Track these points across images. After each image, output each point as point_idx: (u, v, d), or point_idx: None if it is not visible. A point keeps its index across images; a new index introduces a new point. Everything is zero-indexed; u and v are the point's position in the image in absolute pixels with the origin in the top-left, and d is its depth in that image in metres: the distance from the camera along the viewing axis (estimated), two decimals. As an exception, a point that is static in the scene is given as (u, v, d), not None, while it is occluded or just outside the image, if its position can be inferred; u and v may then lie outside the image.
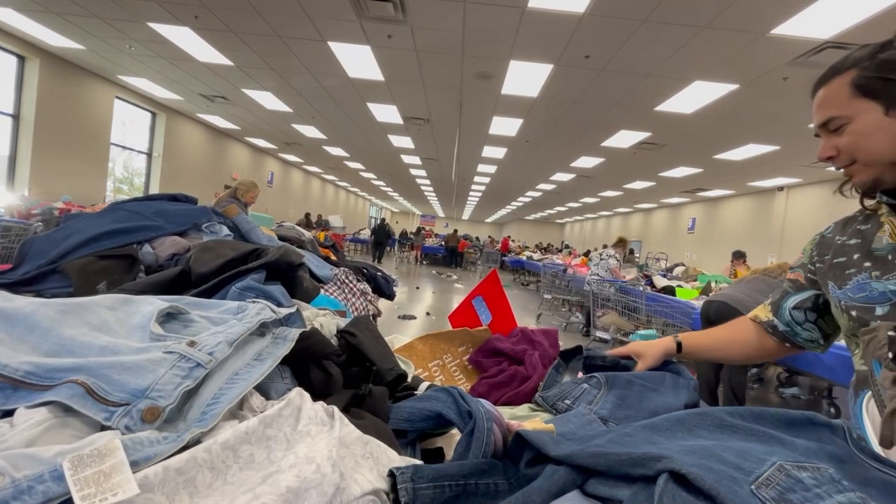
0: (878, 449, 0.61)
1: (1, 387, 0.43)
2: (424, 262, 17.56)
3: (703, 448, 0.43)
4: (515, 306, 4.85)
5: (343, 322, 0.89)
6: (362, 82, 6.76)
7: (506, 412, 0.78)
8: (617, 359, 0.95)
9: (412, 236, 18.67)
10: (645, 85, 5.67)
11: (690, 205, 15.03)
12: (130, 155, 9.79)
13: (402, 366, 0.83)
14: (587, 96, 6.29)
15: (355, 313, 1.58)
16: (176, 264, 1.09)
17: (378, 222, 15.97)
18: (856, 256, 0.83)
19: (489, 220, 34.77)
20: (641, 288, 4.88)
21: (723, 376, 3.34)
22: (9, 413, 0.42)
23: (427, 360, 1.04)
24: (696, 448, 0.44)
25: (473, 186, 17.62)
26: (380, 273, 1.99)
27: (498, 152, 10.66)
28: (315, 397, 0.56)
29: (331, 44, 5.49)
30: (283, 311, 0.69)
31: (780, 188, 10.78)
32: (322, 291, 1.46)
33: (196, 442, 0.43)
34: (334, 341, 0.78)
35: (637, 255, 15.23)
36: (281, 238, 1.96)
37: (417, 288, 9.58)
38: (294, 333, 0.64)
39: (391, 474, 0.46)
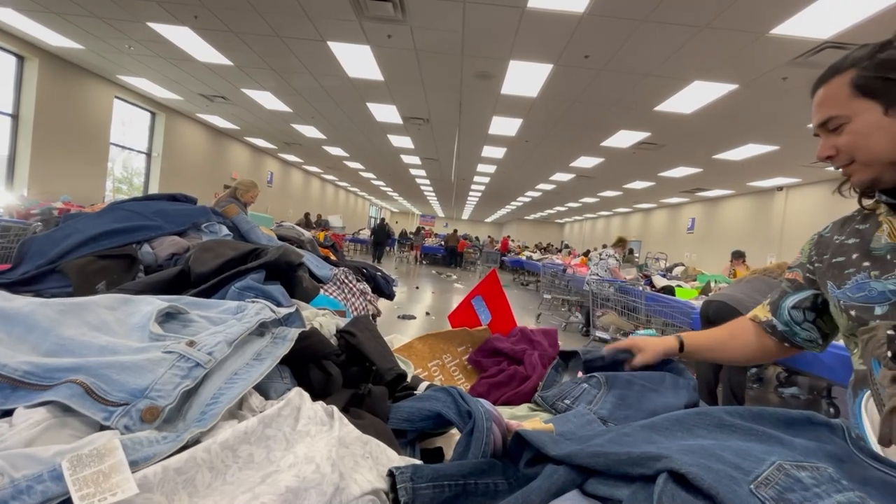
0: (876, 448, 0.61)
1: (0, 386, 0.43)
2: (424, 262, 17.56)
3: (703, 447, 0.43)
4: (515, 306, 4.84)
5: (342, 322, 0.89)
6: (362, 82, 6.75)
7: (505, 412, 0.78)
8: (615, 355, 0.94)
9: (412, 236, 18.67)
10: (644, 85, 5.67)
11: (690, 205, 15.04)
12: (130, 155, 9.79)
13: (402, 366, 0.83)
14: (587, 96, 6.29)
15: (355, 313, 1.58)
16: (175, 264, 1.09)
17: (378, 222, 15.96)
18: (854, 256, 0.83)
19: (489, 220, 34.77)
20: (641, 288, 4.88)
21: (722, 376, 3.34)
22: (8, 413, 0.42)
23: (426, 359, 1.04)
24: (696, 448, 0.44)
25: (473, 186, 17.62)
26: (379, 273, 1.99)
27: (497, 152, 10.66)
28: (314, 397, 0.56)
29: (330, 43, 5.49)
30: (283, 311, 0.69)
31: (780, 188, 10.79)
32: (322, 291, 1.46)
33: (195, 442, 0.43)
34: (334, 341, 0.78)
35: (636, 254, 15.23)
36: (280, 238, 1.96)
37: (417, 288, 9.58)
38: (293, 333, 0.64)
39: (390, 474, 0.46)
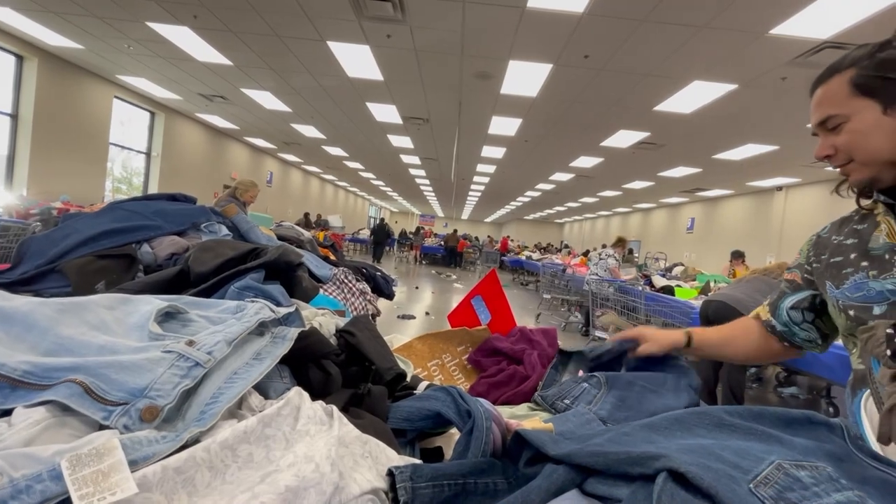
0: (876, 447, 0.61)
1: (-1, 386, 0.43)
2: (424, 262, 17.56)
3: (702, 447, 0.43)
4: (514, 306, 4.84)
5: (342, 321, 0.89)
6: (361, 82, 6.75)
7: (505, 411, 0.78)
8: (622, 344, 0.93)
9: (411, 236, 18.66)
10: (644, 85, 5.67)
11: (689, 204, 15.05)
12: (129, 154, 9.78)
13: (401, 365, 0.83)
14: (586, 96, 6.29)
15: (354, 313, 1.58)
16: (175, 264, 1.09)
17: (377, 222, 15.96)
18: (853, 256, 0.83)
19: (488, 219, 34.77)
20: (640, 287, 4.89)
21: (722, 375, 3.35)
22: (7, 412, 0.42)
23: (426, 359, 1.04)
24: (695, 447, 0.44)
25: (473, 186, 17.62)
26: (379, 273, 1.99)
27: (497, 152, 10.66)
28: (314, 397, 0.55)
29: (330, 43, 5.48)
30: (282, 311, 0.69)
31: (779, 188, 10.79)
32: (321, 291, 1.46)
33: (195, 441, 0.43)
34: (333, 341, 0.78)
35: (636, 254, 15.24)
36: (280, 238, 1.96)
37: (417, 288, 9.58)
38: (293, 333, 0.64)
39: (390, 473, 0.46)
